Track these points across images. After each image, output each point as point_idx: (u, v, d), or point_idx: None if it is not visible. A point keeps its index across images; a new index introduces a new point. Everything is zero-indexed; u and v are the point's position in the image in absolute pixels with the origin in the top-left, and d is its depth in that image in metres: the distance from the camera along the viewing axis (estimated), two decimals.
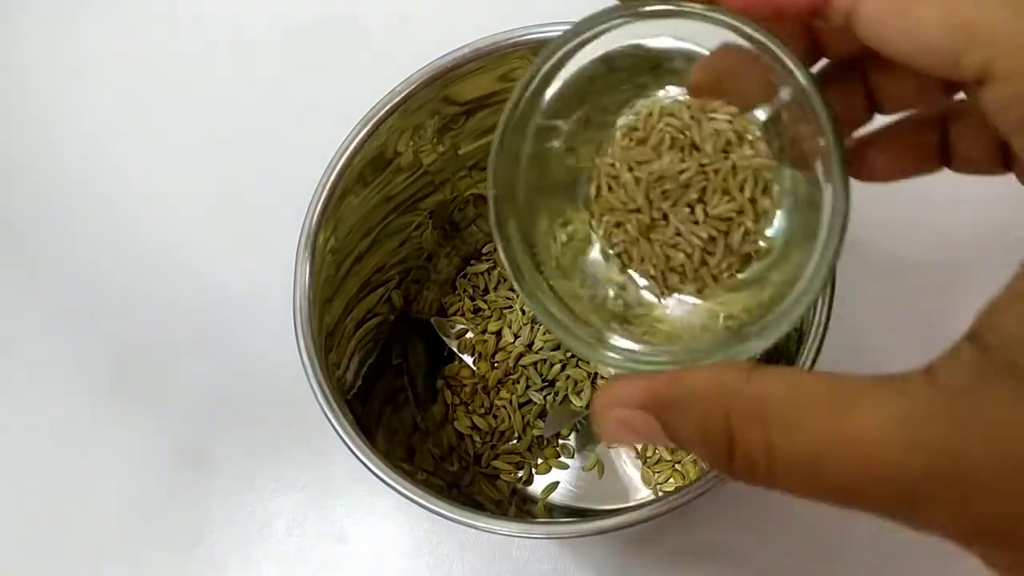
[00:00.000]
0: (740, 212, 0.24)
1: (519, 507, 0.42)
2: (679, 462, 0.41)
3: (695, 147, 0.24)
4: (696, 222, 0.24)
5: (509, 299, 0.44)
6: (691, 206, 0.24)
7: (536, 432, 0.42)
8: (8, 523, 0.47)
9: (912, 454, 0.18)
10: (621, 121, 0.25)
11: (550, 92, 0.25)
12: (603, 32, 0.23)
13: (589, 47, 0.24)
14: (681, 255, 0.24)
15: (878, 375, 0.19)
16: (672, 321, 0.26)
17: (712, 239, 0.24)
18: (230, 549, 0.45)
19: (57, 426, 0.48)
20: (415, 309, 0.44)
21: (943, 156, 0.25)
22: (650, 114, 0.25)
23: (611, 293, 0.26)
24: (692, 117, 0.24)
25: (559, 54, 0.24)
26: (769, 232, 0.24)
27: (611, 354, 0.24)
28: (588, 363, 0.42)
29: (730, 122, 0.24)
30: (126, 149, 0.53)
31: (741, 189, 0.24)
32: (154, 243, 0.51)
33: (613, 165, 0.25)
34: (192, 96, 0.53)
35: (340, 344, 0.37)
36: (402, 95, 0.34)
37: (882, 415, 0.18)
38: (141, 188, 0.52)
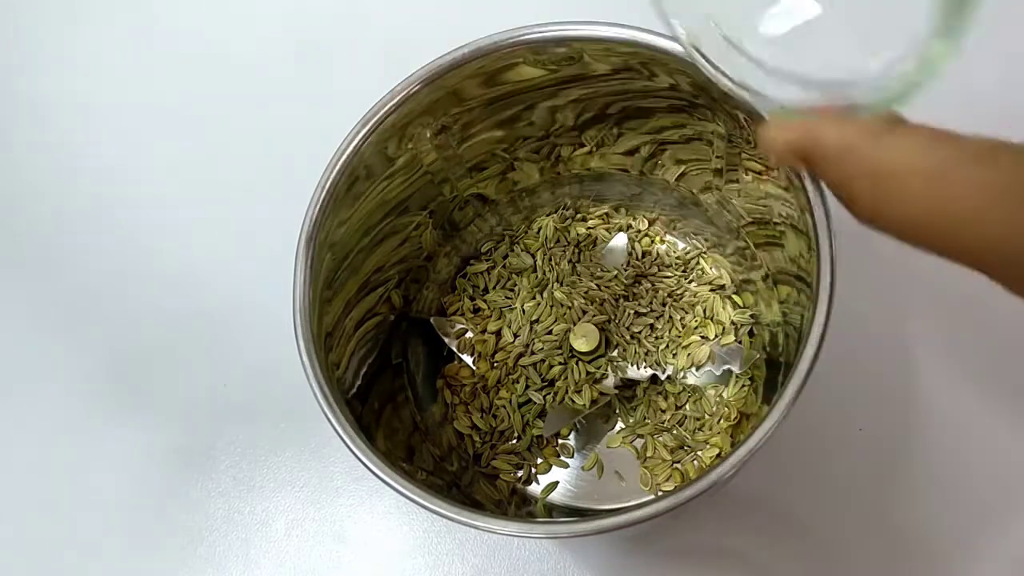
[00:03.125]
0: None
1: (519, 507, 0.42)
2: (679, 462, 0.42)
3: None
4: None
5: (509, 299, 0.44)
6: None
7: (536, 432, 0.42)
8: (8, 523, 0.47)
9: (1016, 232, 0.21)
10: None
11: None
12: None
13: None
14: None
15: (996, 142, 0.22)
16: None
17: None
18: (230, 549, 0.45)
19: (57, 426, 0.48)
20: (415, 309, 0.44)
21: None
22: None
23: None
24: None
25: None
26: None
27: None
28: (588, 363, 0.42)
29: None
30: (125, 150, 0.53)
31: None
32: (153, 243, 0.51)
33: None
34: (192, 97, 0.53)
35: (340, 344, 0.36)
36: (402, 95, 0.34)
37: (976, 188, 0.22)
38: (140, 188, 0.52)
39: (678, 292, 0.43)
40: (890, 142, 0.23)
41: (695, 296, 0.43)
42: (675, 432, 0.42)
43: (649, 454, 0.42)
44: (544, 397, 0.42)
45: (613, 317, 0.43)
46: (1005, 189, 0.21)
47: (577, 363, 0.42)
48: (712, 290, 0.43)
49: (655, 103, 0.36)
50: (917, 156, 0.23)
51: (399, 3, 0.54)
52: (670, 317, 0.43)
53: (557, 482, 0.42)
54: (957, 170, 0.22)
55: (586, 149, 0.41)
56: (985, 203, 0.22)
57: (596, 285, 0.43)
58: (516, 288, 0.44)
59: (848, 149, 0.24)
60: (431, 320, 0.44)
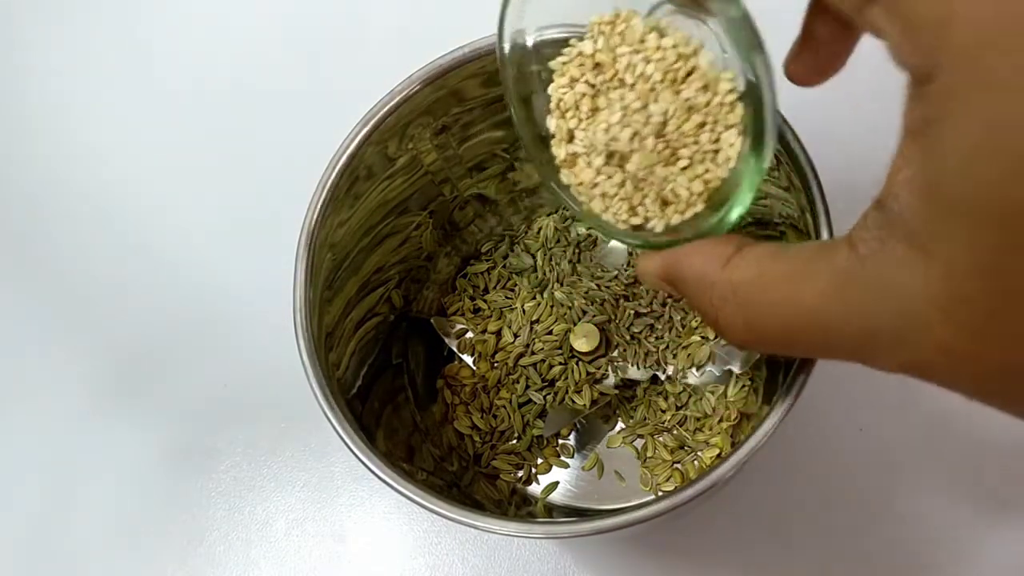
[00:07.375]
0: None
1: (519, 507, 0.42)
2: (679, 462, 0.42)
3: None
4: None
5: (509, 299, 0.44)
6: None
7: (536, 432, 0.42)
8: (8, 523, 0.47)
9: (849, 318, 0.21)
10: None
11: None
12: None
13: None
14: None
15: (823, 243, 0.23)
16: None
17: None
18: (230, 549, 0.45)
19: (57, 427, 0.48)
20: (415, 309, 0.44)
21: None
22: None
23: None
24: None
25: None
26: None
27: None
28: (588, 363, 0.42)
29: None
30: (125, 151, 0.53)
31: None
32: (154, 244, 0.51)
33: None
34: (191, 98, 0.53)
35: (340, 344, 0.36)
36: (402, 95, 0.34)
37: (822, 287, 0.21)
38: (140, 189, 0.52)
39: None
40: (737, 261, 0.24)
41: None
42: (675, 432, 0.42)
43: (649, 454, 0.42)
44: (544, 397, 0.42)
45: (613, 317, 0.43)
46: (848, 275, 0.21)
47: (577, 363, 0.42)
48: None
49: None
50: (767, 264, 0.23)
51: (399, 3, 0.54)
52: (670, 317, 0.43)
53: (557, 482, 0.42)
54: (810, 264, 0.22)
55: None
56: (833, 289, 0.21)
57: (596, 285, 0.43)
58: (516, 288, 0.44)
59: (702, 277, 0.24)
60: (431, 320, 0.44)
